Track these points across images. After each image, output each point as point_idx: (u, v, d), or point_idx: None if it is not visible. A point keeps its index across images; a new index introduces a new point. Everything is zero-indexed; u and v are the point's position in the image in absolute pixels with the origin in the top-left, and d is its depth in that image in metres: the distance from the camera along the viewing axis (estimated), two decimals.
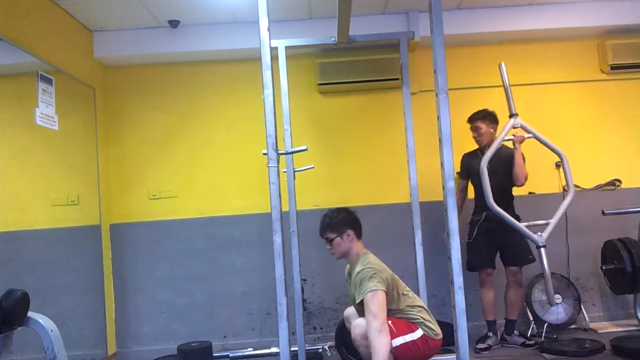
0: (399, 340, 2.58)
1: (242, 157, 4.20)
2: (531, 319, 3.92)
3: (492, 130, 3.71)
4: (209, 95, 4.28)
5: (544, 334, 3.72)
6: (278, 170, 2.11)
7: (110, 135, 4.22)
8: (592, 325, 3.98)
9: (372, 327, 2.48)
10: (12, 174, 3.05)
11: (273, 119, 2.12)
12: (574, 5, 4.07)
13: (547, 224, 3.48)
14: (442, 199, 2.01)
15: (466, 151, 3.85)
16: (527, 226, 3.46)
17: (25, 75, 3.18)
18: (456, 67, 4.08)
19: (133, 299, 4.15)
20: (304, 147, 2.38)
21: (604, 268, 3.80)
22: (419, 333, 2.63)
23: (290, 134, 3.38)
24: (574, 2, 4.06)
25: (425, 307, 2.79)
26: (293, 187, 3.38)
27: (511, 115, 3.62)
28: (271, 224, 2.09)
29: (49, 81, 3.17)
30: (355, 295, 2.67)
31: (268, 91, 2.12)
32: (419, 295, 3.05)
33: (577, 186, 4.20)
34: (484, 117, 3.72)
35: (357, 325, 2.64)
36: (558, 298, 3.89)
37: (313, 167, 3.56)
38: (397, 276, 2.77)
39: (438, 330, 2.70)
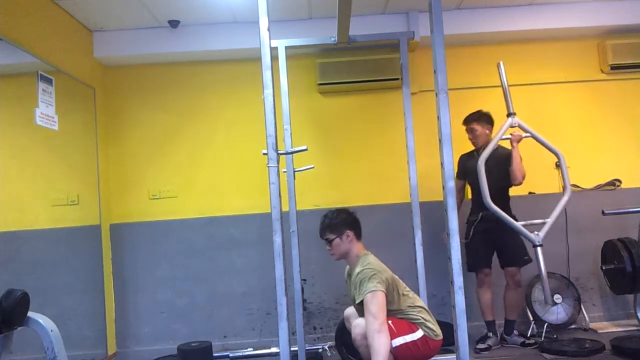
0: (399, 341, 2.58)
1: (242, 157, 4.20)
2: (531, 319, 3.91)
3: (487, 131, 3.72)
4: (209, 95, 4.29)
5: (544, 334, 3.72)
6: (278, 170, 2.11)
7: (110, 135, 4.22)
8: (592, 325, 3.98)
9: (371, 327, 2.48)
10: (12, 174, 3.05)
11: (273, 119, 2.12)
12: (574, 5, 4.07)
13: (544, 223, 3.48)
14: (442, 199, 2.01)
15: (464, 152, 3.85)
16: (524, 225, 3.46)
17: (25, 75, 3.18)
18: (456, 67, 4.08)
19: (133, 299, 4.15)
20: (304, 147, 2.38)
21: (604, 268, 3.80)
22: (419, 333, 2.63)
23: (290, 134, 3.37)
24: (574, 2, 4.06)
25: (426, 307, 2.79)
26: (293, 187, 3.38)
27: (509, 115, 3.62)
28: (271, 224, 2.09)
29: (49, 81, 3.17)
30: (355, 296, 2.67)
31: (268, 91, 2.12)
32: (419, 296, 3.05)
33: (577, 186, 4.21)
34: (479, 119, 3.73)
35: (358, 325, 2.64)
36: (558, 298, 3.89)
37: (313, 167, 3.56)
38: (397, 277, 2.77)
39: (438, 330, 2.70)
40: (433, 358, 2.74)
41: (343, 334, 3.30)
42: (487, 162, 3.55)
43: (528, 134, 3.60)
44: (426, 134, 3.81)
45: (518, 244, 3.62)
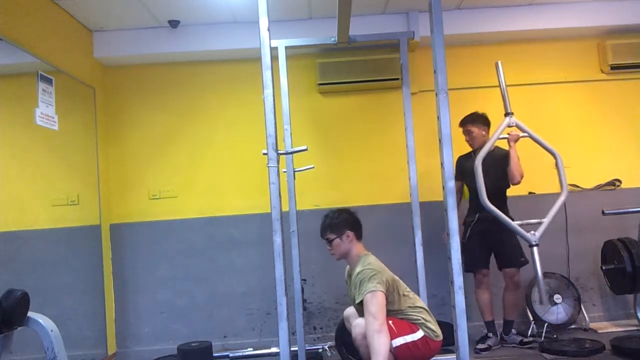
0: (399, 341, 2.58)
1: (242, 157, 4.20)
2: (531, 319, 3.92)
3: (484, 132, 3.72)
4: (209, 95, 4.29)
5: (544, 334, 3.72)
6: (278, 170, 2.11)
7: (110, 135, 4.22)
8: (592, 325, 3.98)
9: (371, 327, 2.49)
10: (12, 174, 3.05)
11: (273, 119, 2.12)
12: (574, 5, 4.07)
13: (541, 223, 3.47)
14: (442, 199, 2.01)
15: (463, 153, 3.84)
16: (520, 225, 3.46)
17: (25, 75, 3.18)
18: (456, 67, 4.07)
19: (133, 299, 4.15)
20: (304, 147, 2.38)
21: (604, 268, 3.80)
22: (419, 334, 2.63)
23: (290, 134, 3.37)
24: (574, 2, 4.06)
25: (426, 308, 2.79)
26: (293, 187, 3.38)
27: (507, 114, 3.62)
28: (271, 224, 2.09)
29: (49, 81, 3.17)
30: (355, 296, 2.67)
31: (268, 91, 2.12)
32: (419, 296, 3.05)
33: (577, 186, 4.21)
34: (474, 121, 3.73)
35: (358, 325, 2.64)
36: (558, 298, 3.89)
37: (313, 167, 3.56)
38: (397, 277, 2.77)
39: (439, 331, 2.70)
40: (433, 358, 2.74)
41: (343, 334, 3.30)
42: (485, 163, 3.55)
43: (525, 134, 3.60)
44: (426, 134, 3.81)
45: (514, 245, 3.62)
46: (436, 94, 2.00)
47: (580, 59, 4.33)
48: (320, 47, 4.09)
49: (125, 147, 4.24)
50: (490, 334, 3.70)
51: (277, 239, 2.10)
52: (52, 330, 2.23)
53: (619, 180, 4.24)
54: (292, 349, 2.54)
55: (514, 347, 3.64)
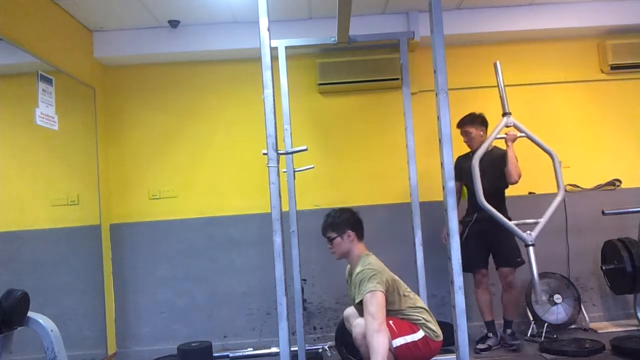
0: (399, 341, 2.58)
1: (242, 157, 4.20)
2: (531, 319, 3.92)
3: (482, 132, 3.72)
4: (209, 95, 4.29)
5: (544, 334, 3.72)
6: (278, 170, 2.11)
7: (110, 135, 4.22)
8: (592, 325, 3.98)
9: (370, 327, 2.49)
10: (12, 174, 3.05)
11: (273, 119, 2.12)
12: (574, 5, 4.07)
13: (538, 223, 3.47)
14: (442, 199, 2.01)
15: (462, 153, 3.84)
16: (517, 225, 3.46)
17: (25, 75, 3.18)
18: (456, 67, 4.08)
19: (133, 299, 4.15)
20: (304, 147, 2.38)
21: (604, 268, 3.80)
22: (420, 334, 2.63)
23: (290, 134, 3.37)
24: (574, 2, 4.06)
25: (427, 308, 2.79)
26: (293, 187, 3.38)
27: (504, 114, 3.62)
28: (271, 224, 2.09)
29: (49, 81, 3.17)
30: (355, 296, 2.68)
31: (268, 91, 2.12)
32: (419, 296, 3.05)
33: (577, 186, 4.21)
34: (472, 122, 3.73)
35: (358, 324, 2.64)
36: (558, 298, 3.89)
37: (313, 167, 3.56)
38: (398, 277, 2.77)
39: (439, 331, 2.70)
40: (434, 358, 2.74)
41: (343, 334, 3.30)
42: (483, 163, 3.56)
43: (523, 134, 3.60)
44: (426, 134, 3.81)
45: (512, 245, 3.62)
46: (436, 94, 2.00)
47: (580, 59, 4.33)
48: (320, 47, 4.09)
49: (125, 147, 4.24)
50: (490, 334, 3.70)
51: (277, 239, 2.10)
52: (52, 330, 2.23)
53: (619, 180, 4.24)
54: (292, 349, 2.54)
55: (514, 346, 3.63)
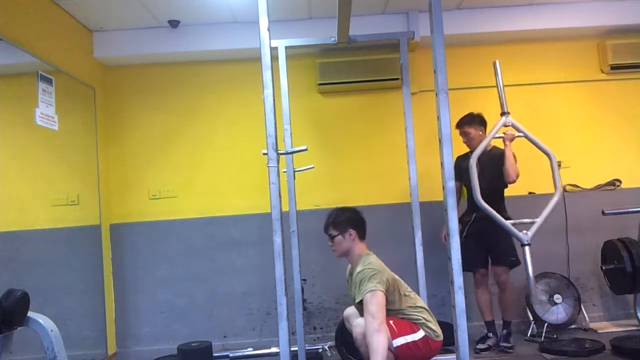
0: (400, 340, 2.58)
1: (242, 157, 4.20)
2: (531, 319, 3.92)
3: (480, 132, 3.72)
4: (209, 95, 4.29)
5: (544, 334, 3.72)
6: (278, 170, 2.11)
7: (110, 135, 4.22)
8: (592, 325, 3.98)
9: (370, 327, 2.49)
10: (12, 174, 3.05)
11: (273, 119, 2.12)
12: (574, 5, 4.07)
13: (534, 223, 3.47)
14: (442, 199, 2.01)
15: (461, 153, 3.84)
16: (514, 224, 3.45)
17: (25, 75, 3.18)
18: (456, 67, 4.07)
19: (133, 299, 4.15)
20: (304, 147, 2.38)
21: (604, 268, 3.80)
22: (420, 334, 2.63)
23: (290, 134, 3.37)
24: (574, 2, 4.06)
25: (427, 308, 2.79)
26: (293, 187, 3.38)
27: (503, 114, 3.61)
28: (271, 224, 2.09)
29: (49, 81, 3.17)
30: (355, 295, 2.67)
31: (268, 91, 2.12)
32: (419, 296, 3.05)
33: (577, 186, 4.21)
34: (471, 122, 3.73)
35: (358, 324, 2.64)
36: (558, 298, 3.90)
37: (313, 167, 3.56)
38: (398, 277, 2.77)
39: (439, 331, 2.70)
40: (434, 358, 2.74)
41: (343, 334, 3.30)
42: (482, 162, 3.56)
43: (521, 134, 3.60)
44: (426, 134, 3.81)
45: (507, 245, 3.61)
46: (436, 94, 2.00)
47: (580, 59, 4.33)
48: (320, 47, 4.09)
49: (125, 147, 4.24)
50: (490, 334, 3.69)
51: (277, 239, 2.10)
52: (52, 330, 2.23)
53: (619, 180, 4.24)
54: (292, 349, 2.54)
55: (515, 346, 3.62)
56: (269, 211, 2.10)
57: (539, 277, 3.99)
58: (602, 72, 4.32)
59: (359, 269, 2.69)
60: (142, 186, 4.22)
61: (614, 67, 4.22)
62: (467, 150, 3.82)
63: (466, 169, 3.59)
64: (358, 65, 4.14)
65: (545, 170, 3.89)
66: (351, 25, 3.24)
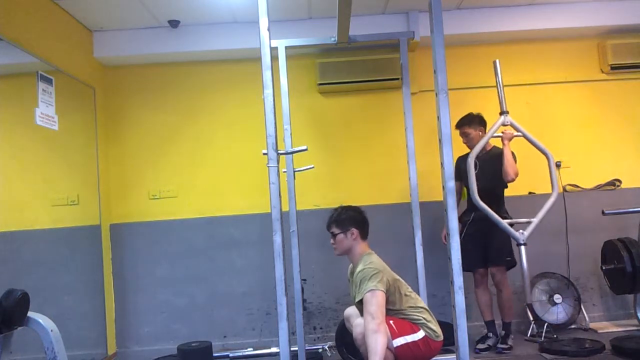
0: (400, 341, 2.58)
1: (242, 157, 4.20)
2: (531, 319, 3.91)
3: (480, 133, 3.71)
4: (209, 95, 4.29)
5: (544, 334, 3.72)
6: (278, 170, 2.11)
7: (110, 135, 4.22)
8: (592, 325, 3.98)
9: (369, 326, 2.49)
10: (12, 174, 3.05)
11: (273, 119, 2.12)
12: (574, 5, 4.07)
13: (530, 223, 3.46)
14: (442, 199, 2.01)
15: (461, 153, 3.84)
16: (510, 224, 3.44)
17: (25, 75, 3.18)
18: (456, 67, 4.07)
19: (133, 299, 4.15)
20: (304, 147, 2.38)
21: (604, 268, 3.80)
22: (420, 334, 2.63)
23: (290, 134, 3.38)
24: (574, 2, 4.06)
25: (427, 308, 2.79)
26: (293, 187, 3.38)
27: (502, 113, 3.61)
28: (271, 224, 2.09)
29: (49, 81, 3.17)
30: (356, 295, 2.67)
31: (268, 91, 2.12)
32: (419, 296, 3.05)
33: (577, 186, 4.21)
34: (470, 122, 3.73)
35: (358, 324, 2.64)
36: (558, 298, 3.90)
37: (313, 167, 3.56)
38: (399, 277, 2.77)
39: (439, 331, 2.70)
40: (434, 358, 2.74)
41: (343, 334, 3.30)
42: (482, 162, 3.56)
43: (519, 133, 3.59)
44: (426, 134, 3.82)
45: (504, 244, 3.59)
46: (436, 94, 2.00)
47: (580, 59, 4.33)
48: (320, 47, 4.09)
49: (125, 147, 4.24)
50: (490, 334, 3.69)
51: (277, 239, 2.10)
52: (52, 330, 2.23)
53: (619, 180, 4.24)
54: (292, 349, 2.54)
55: (515, 346, 3.62)
56: (269, 211, 2.10)
57: (539, 277, 3.99)
58: (602, 72, 4.32)
59: (359, 268, 2.69)
60: (142, 186, 4.22)
61: (614, 67, 4.22)
62: (468, 150, 3.81)
63: (466, 170, 3.59)
64: (358, 65, 4.14)
65: (545, 170, 3.89)
66: (351, 25, 3.24)
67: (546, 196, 3.66)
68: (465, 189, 3.82)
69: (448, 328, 2.67)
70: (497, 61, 3.68)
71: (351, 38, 3.41)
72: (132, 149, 4.24)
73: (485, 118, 3.77)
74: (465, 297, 1.96)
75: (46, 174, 3.44)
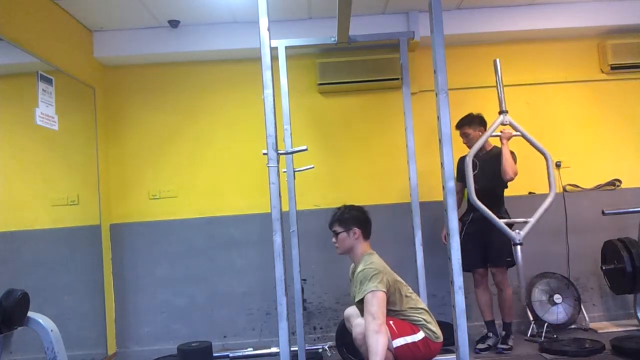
0: (400, 341, 2.58)
1: (242, 157, 4.20)
2: (531, 319, 3.92)
3: (480, 133, 3.71)
4: (209, 95, 4.29)
5: (544, 334, 3.72)
6: (278, 170, 2.11)
7: (110, 135, 4.22)
8: (592, 325, 3.98)
9: (370, 327, 2.49)
10: (12, 174, 3.05)
11: (273, 119, 2.12)
12: (574, 5, 4.07)
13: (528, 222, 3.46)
14: (442, 199, 2.01)
15: (463, 154, 3.83)
16: (506, 223, 3.43)
17: (25, 75, 3.18)
18: (456, 67, 4.08)
19: (133, 299, 4.15)
20: (304, 147, 2.38)
21: (604, 268, 3.80)
22: (420, 335, 2.63)
23: (290, 134, 3.38)
24: (574, 2, 4.06)
25: (427, 309, 2.79)
26: (293, 187, 3.38)
27: (501, 112, 3.61)
28: (271, 224, 2.09)
29: (49, 81, 3.17)
30: (356, 294, 2.68)
31: (268, 91, 2.12)
32: (419, 296, 3.05)
33: (577, 186, 4.21)
34: (470, 122, 3.73)
35: (358, 325, 2.64)
36: (558, 298, 3.90)
37: (313, 167, 3.56)
38: (400, 278, 2.77)
39: (439, 333, 2.70)
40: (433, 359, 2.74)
41: (343, 334, 3.30)
42: (482, 162, 3.57)
43: (518, 133, 3.59)
44: (426, 134, 3.82)
45: (504, 245, 3.58)
46: (436, 94, 1.99)
47: (580, 59, 4.33)
48: (320, 47, 4.09)
49: (125, 147, 4.24)
50: (490, 334, 3.69)
51: (277, 239, 2.10)
52: (52, 330, 2.23)
53: (619, 180, 4.24)
54: (292, 349, 2.54)
55: (515, 346, 3.62)
56: (269, 211, 2.10)
57: (539, 277, 4.00)
58: (602, 72, 4.32)
59: (360, 268, 2.69)
60: (142, 186, 4.22)
61: (614, 67, 4.22)
62: (468, 151, 3.81)
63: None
64: (358, 65, 4.14)
65: (545, 170, 3.90)
66: (351, 25, 3.24)
67: (546, 196, 3.66)
68: (466, 190, 3.81)
69: (448, 328, 2.67)
70: (498, 60, 3.68)
71: (351, 38, 3.41)
72: (132, 149, 4.24)
73: (486, 118, 3.77)
74: (465, 297, 1.96)
75: (46, 174, 3.44)
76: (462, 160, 3.75)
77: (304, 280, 3.64)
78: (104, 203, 4.05)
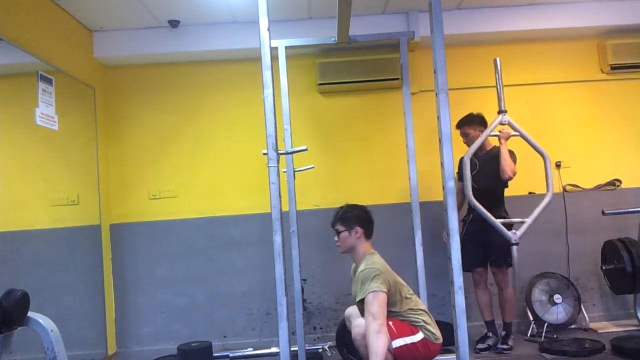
0: (399, 342, 2.58)
1: (242, 157, 4.20)
2: (531, 319, 3.92)
3: (480, 133, 3.70)
4: (209, 95, 4.29)
5: (544, 334, 3.73)
6: (278, 170, 2.11)
7: (110, 135, 4.22)
8: (592, 325, 3.98)
9: (370, 327, 2.49)
10: (12, 174, 3.05)
11: (273, 119, 2.12)
12: (574, 5, 4.07)
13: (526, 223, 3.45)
14: (442, 199, 2.01)
15: (462, 154, 3.83)
16: (504, 223, 3.44)
17: (25, 75, 3.18)
18: (456, 67, 4.07)
19: (133, 299, 4.15)
20: (304, 147, 2.38)
21: (604, 268, 3.80)
22: (419, 336, 2.63)
23: (290, 134, 3.38)
24: (574, 2, 4.06)
25: (427, 311, 2.79)
26: (293, 187, 3.38)
27: (500, 112, 3.61)
28: (271, 224, 2.09)
29: (49, 81, 3.17)
30: (357, 294, 2.68)
31: (268, 91, 2.12)
32: (419, 296, 3.05)
33: (577, 186, 4.21)
34: (470, 122, 3.73)
35: (358, 325, 2.64)
36: (558, 298, 3.90)
37: (313, 167, 3.56)
38: (401, 279, 2.77)
39: (439, 334, 2.70)
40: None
41: (343, 334, 3.30)
42: (481, 162, 3.57)
43: (517, 133, 3.59)
44: (426, 134, 3.82)
45: (504, 244, 3.58)
46: (436, 94, 2.00)
47: (580, 59, 4.33)
48: (320, 47, 4.09)
49: (125, 147, 4.24)
50: (490, 334, 3.69)
51: (277, 239, 2.10)
52: (52, 330, 2.23)
53: (619, 180, 4.24)
54: (292, 349, 2.54)
55: (516, 346, 3.62)
56: (269, 211, 2.10)
57: (539, 277, 4.00)
58: (602, 72, 4.32)
59: (361, 267, 2.69)
60: (142, 186, 4.22)
61: (614, 67, 4.22)
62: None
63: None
64: (358, 65, 4.14)
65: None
66: (351, 25, 3.24)
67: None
68: None
69: (448, 328, 2.67)
70: (498, 59, 3.68)
71: (351, 38, 3.41)
72: (132, 149, 4.24)
73: (486, 118, 3.76)
74: (465, 297, 1.96)
75: (46, 174, 3.44)
76: (462, 160, 3.76)
77: (304, 280, 3.64)
78: (104, 203, 4.05)
